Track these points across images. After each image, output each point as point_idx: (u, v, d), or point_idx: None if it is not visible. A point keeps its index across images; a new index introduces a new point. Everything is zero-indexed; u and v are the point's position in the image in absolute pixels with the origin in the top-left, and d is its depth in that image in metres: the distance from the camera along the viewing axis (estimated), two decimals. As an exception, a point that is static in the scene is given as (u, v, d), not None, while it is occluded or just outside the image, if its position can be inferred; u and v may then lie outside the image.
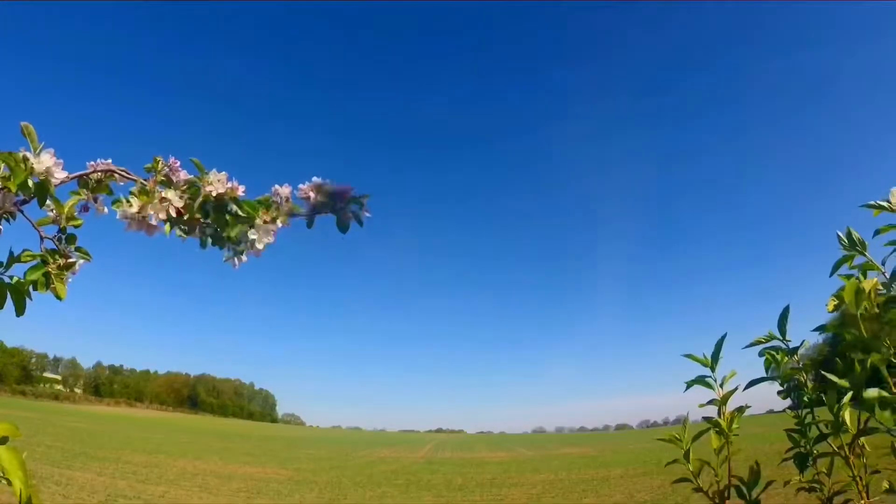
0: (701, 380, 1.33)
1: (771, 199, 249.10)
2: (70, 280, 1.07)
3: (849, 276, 1.27)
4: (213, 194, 1.00)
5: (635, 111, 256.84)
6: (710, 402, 1.32)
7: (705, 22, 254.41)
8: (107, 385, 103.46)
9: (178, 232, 1.04)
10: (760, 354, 1.36)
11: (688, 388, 1.34)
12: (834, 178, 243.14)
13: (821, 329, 1.30)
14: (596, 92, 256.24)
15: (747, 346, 1.38)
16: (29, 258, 1.05)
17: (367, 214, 1.08)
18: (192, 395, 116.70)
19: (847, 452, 1.22)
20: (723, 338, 1.29)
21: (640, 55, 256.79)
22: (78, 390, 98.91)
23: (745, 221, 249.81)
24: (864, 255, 1.28)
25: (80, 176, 1.06)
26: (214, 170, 1.01)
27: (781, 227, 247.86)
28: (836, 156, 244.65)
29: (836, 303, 1.14)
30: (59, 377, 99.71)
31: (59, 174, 0.97)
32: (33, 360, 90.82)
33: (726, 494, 1.28)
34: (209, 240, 1.06)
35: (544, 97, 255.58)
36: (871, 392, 0.94)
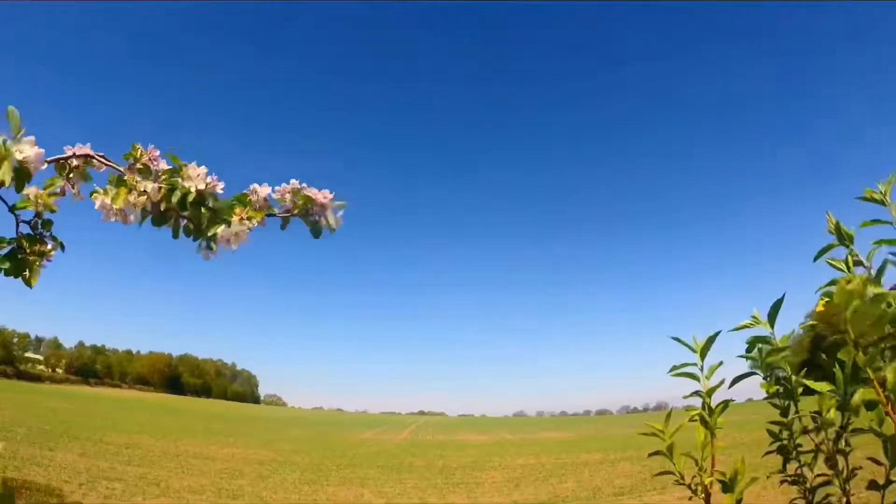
0: (687, 371, 1.31)
1: (764, 192, 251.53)
2: (45, 266, 1.04)
3: (835, 261, 1.28)
4: (193, 190, 0.97)
5: (634, 109, 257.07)
6: (695, 394, 1.31)
7: (712, 20, 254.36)
8: (89, 365, 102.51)
9: (153, 223, 1.00)
10: (747, 342, 1.35)
11: (671, 371, 1.31)
12: (833, 174, 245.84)
13: (809, 327, 1.29)
14: (593, 86, 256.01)
15: (732, 330, 1.36)
16: (4, 244, 1.02)
17: (341, 223, 1.06)
18: (174, 376, 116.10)
19: (829, 449, 1.22)
20: (716, 334, 1.27)
21: (642, 51, 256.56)
22: (60, 370, 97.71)
23: (737, 213, 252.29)
24: (851, 249, 1.28)
25: (58, 160, 1.03)
26: (194, 163, 0.98)
27: (775, 221, 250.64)
28: (834, 151, 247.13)
29: (826, 301, 1.12)
30: (40, 357, 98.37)
31: (36, 161, 0.93)
32: (15, 339, 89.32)
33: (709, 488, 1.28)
34: (183, 231, 1.03)
35: (543, 87, 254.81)
36: (857, 398, 0.95)
